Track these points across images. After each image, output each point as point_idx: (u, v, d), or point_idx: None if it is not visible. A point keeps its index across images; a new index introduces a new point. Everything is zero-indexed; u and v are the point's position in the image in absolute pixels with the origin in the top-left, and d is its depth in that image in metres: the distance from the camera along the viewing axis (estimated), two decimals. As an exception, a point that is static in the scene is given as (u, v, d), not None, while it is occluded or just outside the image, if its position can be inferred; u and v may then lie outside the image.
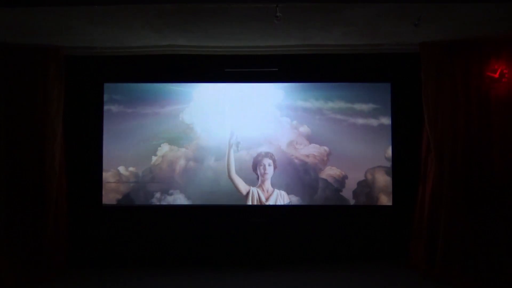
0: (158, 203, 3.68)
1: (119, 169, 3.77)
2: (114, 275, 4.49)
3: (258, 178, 3.02)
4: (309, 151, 3.59)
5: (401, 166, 4.83)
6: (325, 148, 3.63)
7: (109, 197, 3.76)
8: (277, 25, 3.54)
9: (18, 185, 4.29)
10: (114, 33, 4.05)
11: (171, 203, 3.77)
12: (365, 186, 3.74)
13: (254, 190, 2.92)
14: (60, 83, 4.43)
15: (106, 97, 3.80)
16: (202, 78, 4.91)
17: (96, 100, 4.83)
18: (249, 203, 3.13)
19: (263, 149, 3.21)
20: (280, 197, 3.01)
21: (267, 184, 2.86)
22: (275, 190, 3.08)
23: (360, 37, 4.24)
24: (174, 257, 4.83)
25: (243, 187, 2.96)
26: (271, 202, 2.89)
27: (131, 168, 3.75)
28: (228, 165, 2.86)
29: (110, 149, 3.73)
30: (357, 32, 4.08)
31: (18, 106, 4.32)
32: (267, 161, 2.88)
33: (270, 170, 2.86)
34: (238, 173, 3.22)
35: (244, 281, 4.32)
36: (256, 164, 2.95)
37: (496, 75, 4.20)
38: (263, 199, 2.86)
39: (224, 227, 4.86)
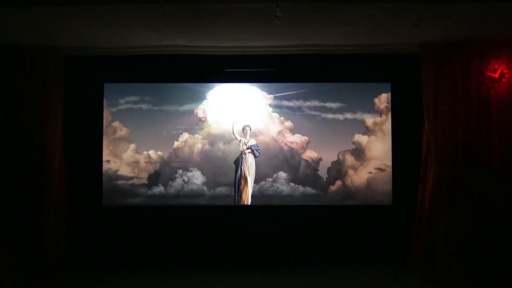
0: (181, 179, 4.70)
1: (149, 153, 4.71)
2: (114, 275, 4.50)
3: (244, 134, 4.57)
4: (294, 139, 4.69)
5: (401, 166, 4.84)
6: (306, 137, 4.70)
7: (141, 175, 4.70)
8: (277, 25, 3.54)
9: (18, 185, 4.28)
10: (114, 33, 4.05)
11: (191, 178, 4.69)
12: (337, 164, 4.74)
13: (242, 139, 4.53)
14: (60, 83, 4.42)
15: (137, 98, 4.77)
16: (202, 78, 4.93)
17: (96, 100, 4.84)
18: (240, 145, 4.58)
19: (256, 136, 4.73)
20: (252, 142, 4.55)
21: (248, 137, 4.50)
22: (251, 139, 4.55)
23: (360, 37, 4.24)
24: (174, 257, 4.83)
25: (238, 138, 4.53)
26: (248, 144, 4.53)
27: (159, 152, 4.71)
28: (232, 129, 4.51)
29: (142, 138, 4.73)
30: (357, 32, 4.08)
31: (18, 106, 4.31)
32: (248, 127, 4.52)
33: (248, 131, 4.53)
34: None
35: (244, 281, 4.32)
36: (243, 129, 4.56)
37: (496, 75, 4.20)
38: (245, 141, 4.49)
39: (224, 227, 4.87)
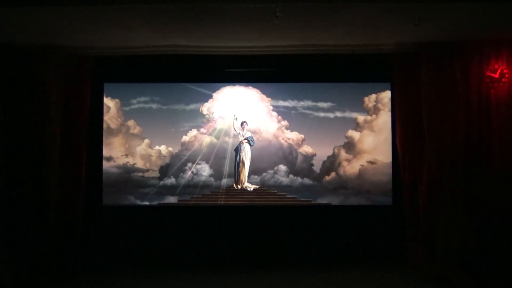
0: (189, 172, 5.09)
1: (160, 148, 5.10)
2: (114, 275, 4.50)
3: (242, 128, 5.11)
4: (291, 136, 5.15)
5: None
6: (302, 135, 5.13)
7: (153, 167, 5.10)
8: (277, 25, 3.54)
9: (18, 185, 4.28)
10: (114, 33, 4.05)
11: (199, 170, 5.10)
12: (332, 157, 5.12)
13: (240, 132, 5.12)
14: (60, 83, 4.43)
15: (148, 98, 5.10)
16: (202, 78, 4.95)
17: (96, 100, 4.84)
18: (239, 137, 5.13)
19: (252, 132, 5.17)
20: (248, 134, 5.13)
21: (245, 130, 5.08)
22: (247, 131, 5.12)
23: (360, 37, 4.24)
24: (174, 257, 4.84)
25: (237, 131, 5.10)
26: (245, 136, 5.13)
27: (170, 148, 5.11)
28: (233, 124, 5.09)
29: (154, 135, 5.11)
30: (357, 32, 4.08)
31: (18, 106, 4.31)
32: (245, 123, 5.11)
33: (246, 125, 5.11)
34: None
35: (244, 281, 4.32)
36: (241, 123, 5.10)
37: (496, 75, 4.20)
38: (243, 133, 5.11)
39: (225, 227, 4.88)
